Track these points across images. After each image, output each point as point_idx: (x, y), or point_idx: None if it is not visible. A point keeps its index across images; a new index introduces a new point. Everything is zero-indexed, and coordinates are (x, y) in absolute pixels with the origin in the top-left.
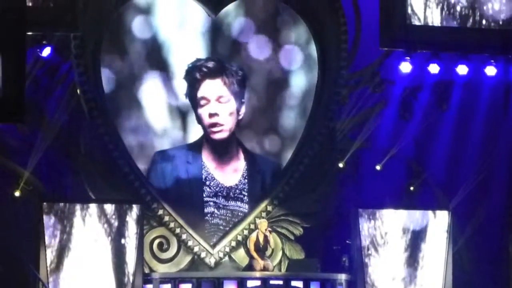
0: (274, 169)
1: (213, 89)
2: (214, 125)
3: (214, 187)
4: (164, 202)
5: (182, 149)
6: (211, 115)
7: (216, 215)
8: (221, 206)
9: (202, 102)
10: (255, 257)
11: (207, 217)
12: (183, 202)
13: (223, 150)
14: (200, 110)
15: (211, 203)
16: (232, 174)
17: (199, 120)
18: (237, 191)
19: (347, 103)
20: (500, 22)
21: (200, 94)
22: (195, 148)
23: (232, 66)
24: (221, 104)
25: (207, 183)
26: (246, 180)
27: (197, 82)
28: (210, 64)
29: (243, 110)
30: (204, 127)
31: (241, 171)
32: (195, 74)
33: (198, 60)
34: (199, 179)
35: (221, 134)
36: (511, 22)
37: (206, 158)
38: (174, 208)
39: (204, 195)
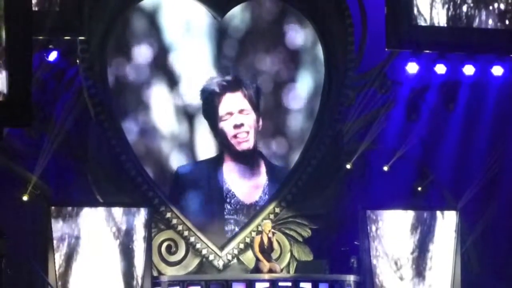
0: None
1: (235, 102)
2: (239, 135)
3: (235, 205)
4: (172, 205)
5: (202, 164)
6: (236, 126)
7: (236, 232)
8: (241, 223)
9: (225, 115)
10: (261, 259)
11: (228, 235)
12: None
13: (245, 165)
14: (222, 124)
15: (232, 221)
16: (253, 190)
17: (220, 134)
18: (257, 208)
19: (354, 104)
20: (506, 22)
21: (222, 108)
22: (216, 163)
23: (246, 79)
24: (245, 116)
25: (228, 200)
26: (266, 197)
27: (217, 97)
28: (229, 78)
29: (260, 122)
30: (227, 140)
31: (262, 187)
32: (215, 88)
33: (212, 77)
34: (220, 196)
35: (246, 144)
36: None
37: (227, 174)
38: (182, 211)
39: (224, 213)
